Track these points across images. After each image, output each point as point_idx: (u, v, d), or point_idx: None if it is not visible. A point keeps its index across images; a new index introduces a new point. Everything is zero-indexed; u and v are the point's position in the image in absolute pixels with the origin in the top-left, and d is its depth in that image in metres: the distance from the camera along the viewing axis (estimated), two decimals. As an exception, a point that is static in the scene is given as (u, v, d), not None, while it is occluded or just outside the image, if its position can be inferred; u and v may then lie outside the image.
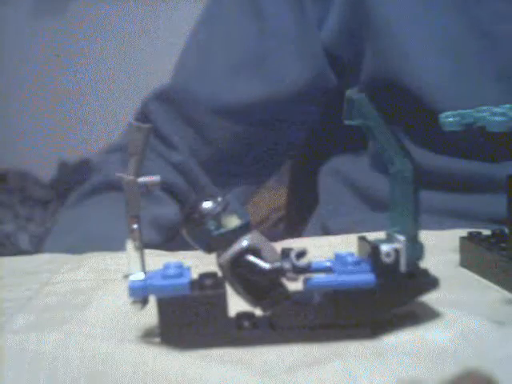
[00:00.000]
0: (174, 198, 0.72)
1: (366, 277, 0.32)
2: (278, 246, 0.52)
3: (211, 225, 0.32)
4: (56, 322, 0.35)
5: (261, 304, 0.32)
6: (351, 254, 0.33)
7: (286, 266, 0.31)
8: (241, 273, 0.32)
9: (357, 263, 0.32)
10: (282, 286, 0.32)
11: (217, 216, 0.32)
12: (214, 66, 0.74)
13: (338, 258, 0.33)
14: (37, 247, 1.68)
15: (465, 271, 0.43)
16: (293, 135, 0.78)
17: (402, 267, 0.32)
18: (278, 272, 0.31)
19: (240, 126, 0.74)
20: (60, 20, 2.03)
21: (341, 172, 0.75)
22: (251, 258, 0.32)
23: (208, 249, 0.32)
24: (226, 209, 0.32)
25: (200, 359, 0.30)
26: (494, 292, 0.38)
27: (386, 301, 0.32)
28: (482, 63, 0.64)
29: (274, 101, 0.73)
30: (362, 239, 0.33)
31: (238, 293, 0.32)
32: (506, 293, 0.38)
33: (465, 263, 0.44)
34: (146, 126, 0.32)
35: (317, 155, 0.81)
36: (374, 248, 0.32)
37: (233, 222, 0.32)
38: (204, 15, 0.78)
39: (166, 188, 0.71)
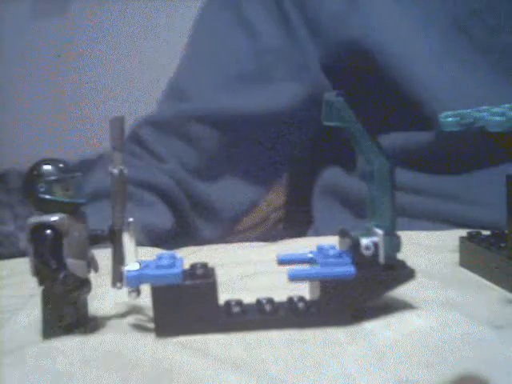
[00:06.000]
0: (166, 202, 0.72)
1: (347, 269, 0.33)
2: (279, 245, 0.54)
3: (41, 187, 0.33)
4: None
5: (37, 277, 0.34)
6: (333, 247, 0.35)
7: (60, 273, 0.32)
8: (35, 241, 0.33)
9: (338, 256, 0.34)
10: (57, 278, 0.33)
11: (49, 181, 0.33)
12: (209, 80, 0.75)
13: (321, 250, 0.35)
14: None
15: (465, 271, 0.44)
16: (288, 150, 0.79)
17: (381, 259, 0.34)
18: (51, 268, 0.33)
19: (234, 139, 0.75)
20: (61, 20, 2.04)
21: (334, 186, 0.77)
22: (48, 235, 0.33)
23: (35, 207, 0.34)
24: (63, 180, 0.34)
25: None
26: (494, 292, 0.39)
27: (366, 291, 0.33)
28: (475, 71, 0.66)
29: (271, 114, 0.74)
30: (343, 233, 0.35)
31: (28, 255, 0.33)
32: (506, 293, 0.38)
33: (465, 263, 0.44)
34: (121, 116, 0.34)
35: (315, 160, 0.83)
36: (355, 241, 0.34)
37: (62, 195, 0.34)
38: (195, 33, 0.79)
39: (158, 191, 0.72)
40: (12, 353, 0.32)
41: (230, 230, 0.84)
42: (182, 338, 0.33)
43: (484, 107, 0.38)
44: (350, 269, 0.33)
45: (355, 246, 0.33)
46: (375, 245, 0.33)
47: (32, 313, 0.38)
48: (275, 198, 1.29)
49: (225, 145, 0.75)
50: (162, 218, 0.72)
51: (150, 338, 0.33)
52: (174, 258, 0.35)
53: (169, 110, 0.77)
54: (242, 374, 0.29)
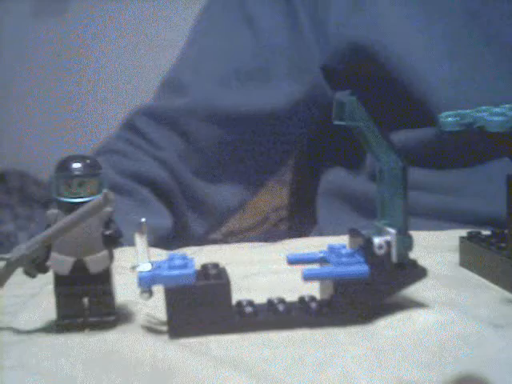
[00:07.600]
0: (161, 197, 0.72)
1: (361, 268, 0.33)
2: (279, 245, 0.53)
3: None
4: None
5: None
6: (343, 246, 0.35)
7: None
8: None
9: (351, 255, 0.34)
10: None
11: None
12: (209, 76, 0.75)
13: (332, 250, 0.35)
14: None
15: (465, 271, 0.43)
16: (285, 149, 0.79)
17: (394, 258, 0.34)
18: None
19: (231, 135, 0.74)
20: (60, 20, 2.04)
21: (339, 186, 0.76)
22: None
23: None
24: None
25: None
26: (494, 292, 0.39)
27: (379, 290, 0.33)
28: (488, 63, 0.65)
29: (269, 112, 0.74)
30: (354, 232, 0.35)
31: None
32: (506, 293, 0.38)
33: (465, 263, 0.44)
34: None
35: (319, 161, 0.83)
36: (367, 240, 0.33)
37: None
38: (198, 27, 0.79)
39: (152, 185, 0.71)
40: (13, 354, 0.32)
41: (220, 226, 0.84)
42: (183, 339, 0.33)
43: (484, 107, 0.38)
44: (364, 268, 0.33)
45: (368, 245, 0.33)
46: (388, 244, 0.33)
47: (33, 313, 0.38)
48: (274, 198, 1.30)
49: (222, 141, 0.75)
50: (162, 218, 0.71)
51: (151, 338, 0.33)
52: (185, 258, 0.34)
53: (166, 103, 0.77)
54: (242, 373, 0.29)
